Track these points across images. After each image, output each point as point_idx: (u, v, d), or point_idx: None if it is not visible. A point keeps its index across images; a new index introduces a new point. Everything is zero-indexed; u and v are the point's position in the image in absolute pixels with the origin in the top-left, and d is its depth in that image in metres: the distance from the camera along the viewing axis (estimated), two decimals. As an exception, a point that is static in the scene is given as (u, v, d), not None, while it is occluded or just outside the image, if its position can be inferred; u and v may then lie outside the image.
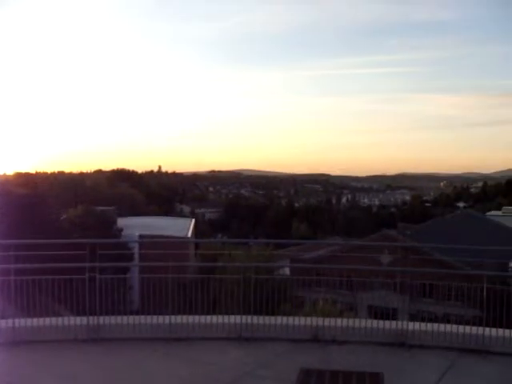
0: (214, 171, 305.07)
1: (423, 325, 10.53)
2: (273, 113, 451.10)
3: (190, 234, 66.13)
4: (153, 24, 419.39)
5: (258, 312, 10.52)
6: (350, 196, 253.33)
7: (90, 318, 10.17)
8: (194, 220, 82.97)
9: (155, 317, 10.59)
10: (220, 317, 10.80)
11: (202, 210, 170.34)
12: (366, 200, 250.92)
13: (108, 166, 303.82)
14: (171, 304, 10.47)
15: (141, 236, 51.78)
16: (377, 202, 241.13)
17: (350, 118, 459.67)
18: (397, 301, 12.11)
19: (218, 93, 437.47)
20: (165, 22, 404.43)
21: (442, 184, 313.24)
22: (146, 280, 11.49)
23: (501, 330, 9.90)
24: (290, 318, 10.69)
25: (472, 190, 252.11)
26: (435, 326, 10.25)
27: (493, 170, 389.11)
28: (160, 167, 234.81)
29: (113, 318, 10.44)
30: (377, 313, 13.14)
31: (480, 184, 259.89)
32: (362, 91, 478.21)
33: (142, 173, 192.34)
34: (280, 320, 10.63)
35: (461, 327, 10.05)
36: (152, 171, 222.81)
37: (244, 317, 10.34)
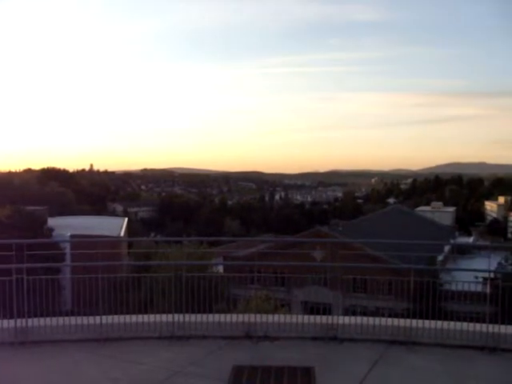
0: (146, 169, 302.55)
1: (353, 318, 10.65)
2: (205, 111, 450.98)
3: (122, 233, 65.25)
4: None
5: (192, 310, 10.42)
6: (282, 193, 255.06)
7: (18, 320, 9.86)
8: (126, 219, 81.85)
9: (86, 317, 10.35)
10: (152, 316, 10.66)
11: (135, 209, 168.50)
12: (298, 197, 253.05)
13: (38, 164, 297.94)
14: (103, 304, 10.27)
15: (72, 236, 50.78)
16: (309, 199, 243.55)
17: (283, 116, 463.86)
18: (330, 296, 12.20)
19: (150, 91, 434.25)
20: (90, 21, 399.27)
21: (373, 181, 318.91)
22: (77, 280, 11.22)
23: (427, 322, 10.09)
24: (223, 316, 10.64)
25: (402, 186, 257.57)
26: (365, 319, 10.39)
27: (422, 167, 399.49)
28: (92, 166, 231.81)
29: (42, 319, 10.14)
30: (310, 308, 13.20)
31: (409, 180, 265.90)
32: (298, 89, 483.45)
33: (74, 171, 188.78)
34: (212, 318, 10.57)
35: (389, 320, 10.25)
36: (84, 170, 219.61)
37: (176, 315, 10.22)
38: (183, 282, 10.14)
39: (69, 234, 53.22)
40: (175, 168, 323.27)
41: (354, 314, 11.63)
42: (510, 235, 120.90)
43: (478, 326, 9.84)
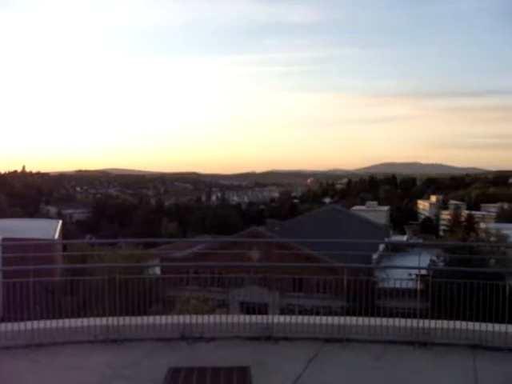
0: (81, 170, 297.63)
1: (289, 318, 10.71)
2: (141, 111, 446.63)
3: (56, 236, 64.01)
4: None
5: (127, 313, 10.29)
6: (219, 194, 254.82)
7: None
8: (61, 221, 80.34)
9: (17, 323, 10.09)
10: (86, 320, 10.45)
11: (70, 211, 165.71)
12: (235, 198, 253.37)
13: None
14: (37, 309, 10.04)
15: (4, 239, 49.55)
16: (246, 200, 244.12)
17: (218, 116, 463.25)
18: (267, 296, 12.27)
19: (85, 90, 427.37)
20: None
21: (309, 181, 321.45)
22: (8, 285, 10.92)
23: (361, 319, 10.25)
24: (158, 318, 10.57)
25: (337, 186, 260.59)
26: (300, 318, 10.49)
27: (356, 167, 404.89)
28: (24, 167, 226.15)
29: (-29, 327, 9.86)
30: (248, 308, 13.24)
31: (345, 180, 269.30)
32: (234, 90, 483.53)
33: (5, 173, 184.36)
34: (147, 320, 10.47)
35: (324, 318, 10.39)
36: (15, 171, 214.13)
37: (111, 318, 10.08)
38: (117, 284, 10.00)
39: (0, 237, 51.90)
40: (111, 169, 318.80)
41: (292, 313, 11.70)
42: (441, 233, 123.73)
43: (409, 322, 10.06)
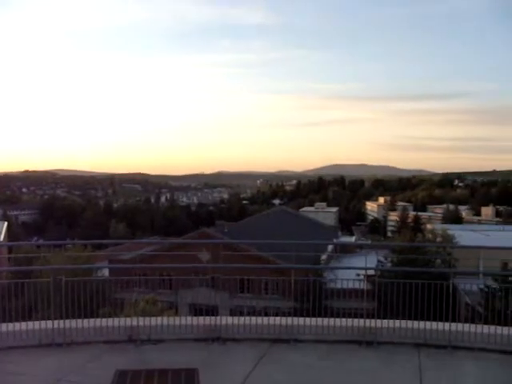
0: (27, 171, 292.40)
1: (237, 319, 10.73)
2: (89, 111, 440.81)
3: (1, 238, 62.74)
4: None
5: (74, 316, 10.15)
6: (168, 195, 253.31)
7: None
8: (6, 223, 78.66)
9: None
10: (31, 323, 10.27)
11: (16, 212, 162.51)
12: (184, 199, 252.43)
13: None
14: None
15: None
16: (195, 201, 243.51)
17: (169, 117, 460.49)
18: (216, 297, 12.25)
19: (34, 89, 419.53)
20: None
21: (258, 182, 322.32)
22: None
23: (309, 319, 10.34)
24: (105, 320, 10.42)
25: (287, 187, 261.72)
26: (248, 319, 10.51)
27: (306, 169, 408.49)
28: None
29: None
30: (197, 310, 13.19)
31: (294, 182, 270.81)
32: (187, 90, 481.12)
33: None
34: (94, 322, 10.33)
35: (272, 319, 10.46)
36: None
37: (57, 322, 9.92)
38: (63, 287, 9.84)
39: None
40: (58, 170, 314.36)
41: (241, 314, 11.70)
42: (389, 234, 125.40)
43: (356, 322, 10.20)
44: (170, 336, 10.14)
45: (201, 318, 10.59)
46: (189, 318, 10.69)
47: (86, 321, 10.30)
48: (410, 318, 10.22)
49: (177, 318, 10.81)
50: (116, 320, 10.48)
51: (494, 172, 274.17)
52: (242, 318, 10.63)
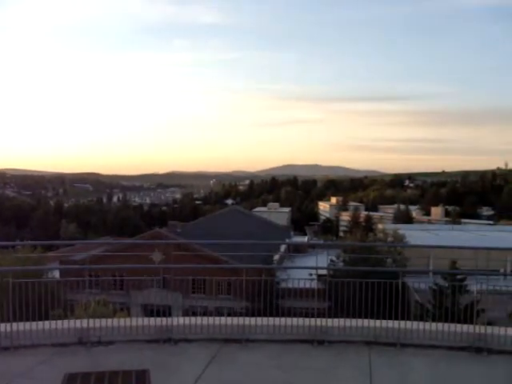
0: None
1: (188, 319, 10.70)
2: (39, 109, 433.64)
3: None
4: None
5: (22, 319, 9.97)
6: (121, 195, 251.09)
7: None
8: (-48, 224, 77.08)
9: None
10: None
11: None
12: (137, 199, 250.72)
13: None
14: None
15: None
16: (148, 201, 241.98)
17: (120, 116, 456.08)
18: (169, 298, 12.23)
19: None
20: None
21: (211, 182, 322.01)
22: None
23: (260, 319, 10.41)
24: (54, 322, 10.25)
25: (240, 187, 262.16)
26: (199, 319, 10.50)
27: (259, 169, 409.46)
28: None
29: None
30: (150, 311, 13.14)
31: (247, 182, 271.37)
32: (140, 90, 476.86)
33: None
34: (43, 325, 10.14)
35: (224, 319, 10.49)
36: None
37: (3, 325, 9.73)
38: (10, 289, 9.64)
39: None
40: (7, 169, 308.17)
41: (194, 314, 11.70)
42: (341, 234, 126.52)
43: (307, 321, 10.31)
44: (121, 337, 10.05)
45: (152, 319, 10.51)
46: (140, 319, 10.64)
47: (34, 323, 10.10)
48: (361, 317, 10.36)
49: (128, 319, 10.73)
50: (66, 322, 10.35)
51: (443, 173, 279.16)
52: (193, 319, 10.60)
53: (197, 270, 12.65)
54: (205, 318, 10.45)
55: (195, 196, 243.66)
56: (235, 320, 10.40)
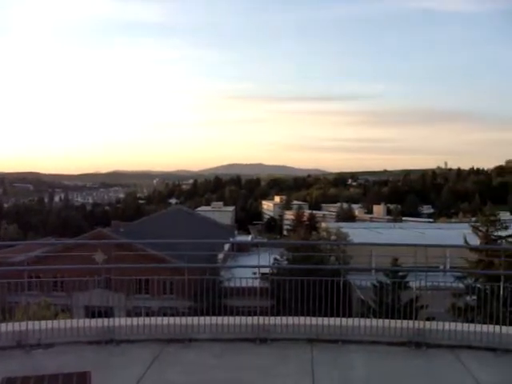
0: None
1: (130, 320, 10.58)
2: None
3: None
4: None
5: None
6: (62, 195, 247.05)
7: None
8: None
9: None
10: None
11: None
12: (79, 199, 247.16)
13: None
14: None
15: None
16: (91, 201, 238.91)
17: (62, 114, 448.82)
18: (112, 298, 12.11)
19: None
20: None
21: (155, 181, 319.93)
22: None
23: (203, 318, 10.40)
24: None
25: (183, 186, 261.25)
26: (142, 319, 10.40)
27: (202, 168, 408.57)
28: None
29: None
30: (93, 312, 12.99)
31: (191, 181, 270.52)
32: (79, 88, 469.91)
33: None
34: None
35: (166, 319, 10.46)
36: None
37: None
38: None
39: None
40: None
41: (138, 315, 11.59)
42: (285, 232, 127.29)
43: (250, 319, 10.36)
44: (61, 339, 9.87)
45: (94, 320, 10.36)
46: (81, 321, 10.45)
47: None
48: (304, 315, 10.46)
49: (68, 321, 10.55)
50: (3, 325, 10.13)
51: (385, 172, 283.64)
52: (135, 319, 10.48)
53: (140, 269, 12.57)
54: (147, 319, 10.38)
55: (138, 195, 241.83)
56: (178, 320, 10.35)
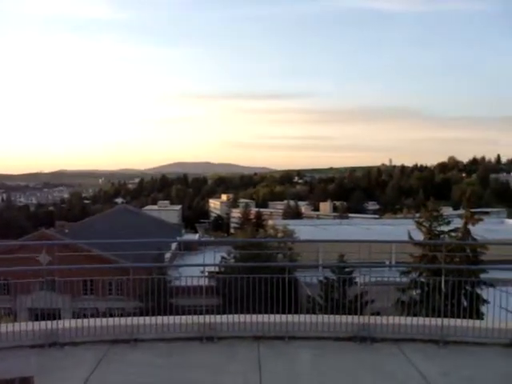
0: None
1: (74, 321, 10.43)
2: None
3: None
4: None
5: None
6: (5, 195, 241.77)
7: None
8: None
9: None
10: None
11: None
12: (22, 199, 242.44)
13: None
14: None
15: None
16: (34, 201, 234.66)
17: (5, 113, 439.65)
18: (58, 300, 11.93)
19: None
20: None
21: (100, 181, 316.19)
22: None
23: (149, 318, 10.34)
24: None
25: (129, 186, 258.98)
26: (86, 321, 10.24)
27: (149, 167, 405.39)
28: None
29: None
30: (37, 315, 12.77)
31: (137, 180, 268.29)
32: (20, 86, 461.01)
33: None
34: None
35: (112, 320, 10.31)
36: None
37: None
38: None
39: None
40: None
41: (85, 316, 11.43)
42: (232, 231, 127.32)
43: (196, 318, 10.36)
44: (3, 344, 9.59)
45: (37, 323, 10.15)
46: (24, 324, 10.23)
47: None
48: (252, 312, 10.49)
49: (11, 325, 10.29)
50: None
51: (331, 169, 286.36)
52: (80, 321, 10.32)
53: (85, 270, 12.42)
54: (92, 320, 10.20)
55: (84, 195, 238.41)
56: (123, 320, 10.25)
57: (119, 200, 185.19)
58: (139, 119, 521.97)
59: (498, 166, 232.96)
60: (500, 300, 10.53)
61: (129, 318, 10.28)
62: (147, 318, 10.33)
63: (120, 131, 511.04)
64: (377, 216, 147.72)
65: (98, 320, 10.20)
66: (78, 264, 11.44)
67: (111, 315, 10.75)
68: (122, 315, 10.77)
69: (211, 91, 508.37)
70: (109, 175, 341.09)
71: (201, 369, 8.99)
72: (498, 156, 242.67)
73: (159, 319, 10.23)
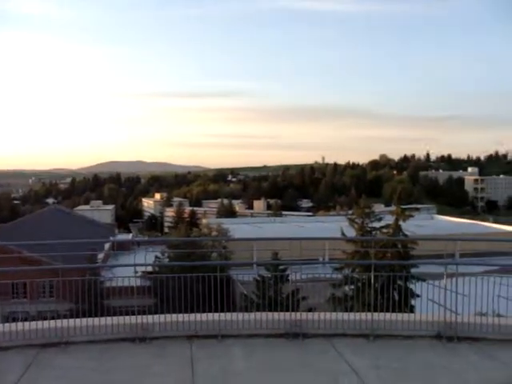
0: None
1: (2, 326, 10.12)
2: None
3: None
4: None
5: None
6: None
7: None
8: None
9: None
10: None
11: None
12: None
13: None
14: None
15: None
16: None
17: None
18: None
19: None
20: None
21: (30, 181, 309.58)
22: None
23: (79, 320, 10.13)
24: None
25: (61, 185, 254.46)
26: (14, 325, 9.95)
27: (80, 166, 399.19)
28: None
29: None
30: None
31: (69, 180, 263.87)
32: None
33: None
34: None
35: (40, 323, 10.11)
36: None
37: None
38: None
39: None
40: None
41: (15, 321, 11.14)
42: (166, 230, 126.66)
43: (128, 319, 10.26)
44: None
45: None
46: None
47: None
48: (185, 312, 10.46)
49: None
50: None
51: (264, 167, 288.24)
52: (7, 325, 10.06)
53: (15, 273, 12.11)
54: (21, 324, 9.96)
55: (13, 195, 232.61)
56: (53, 323, 10.01)
57: (50, 200, 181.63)
58: (71, 118, 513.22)
59: (427, 163, 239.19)
60: (428, 293, 10.84)
61: (59, 321, 10.04)
62: (78, 320, 10.14)
63: (50, 130, 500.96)
64: (310, 213, 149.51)
65: (27, 324, 9.97)
66: (7, 266, 11.19)
67: (44, 318, 10.53)
68: (53, 318, 10.55)
69: (144, 90, 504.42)
70: (38, 175, 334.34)
71: (131, 370, 8.90)
72: (428, 154, 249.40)
73: (90, 321, 10.06)
